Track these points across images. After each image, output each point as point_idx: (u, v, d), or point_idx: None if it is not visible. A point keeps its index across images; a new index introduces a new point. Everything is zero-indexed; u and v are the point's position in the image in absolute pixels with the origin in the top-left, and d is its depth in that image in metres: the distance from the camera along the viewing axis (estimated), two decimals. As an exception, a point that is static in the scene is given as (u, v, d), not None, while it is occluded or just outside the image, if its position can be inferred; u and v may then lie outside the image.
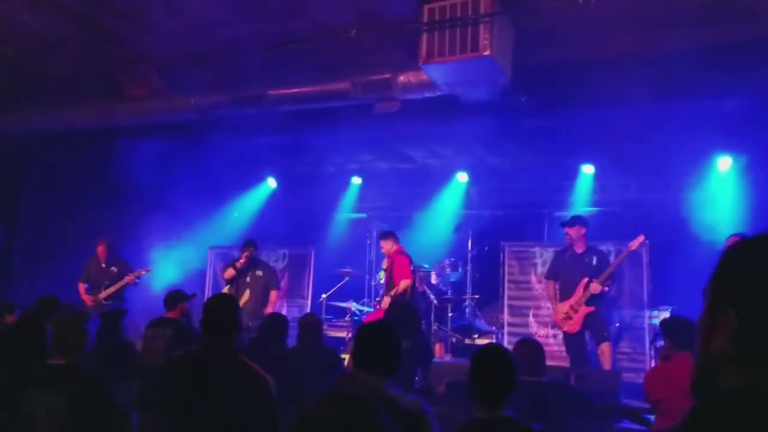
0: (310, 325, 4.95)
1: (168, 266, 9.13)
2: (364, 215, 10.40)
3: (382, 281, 7.81)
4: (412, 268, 7.46)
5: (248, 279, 7.68)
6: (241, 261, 7.66)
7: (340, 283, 8.92)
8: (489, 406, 2.68)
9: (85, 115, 7.88)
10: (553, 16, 5.70)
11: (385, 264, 7.81)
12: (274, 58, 6.94)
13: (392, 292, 7.25)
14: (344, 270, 9.06)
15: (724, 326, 1.08)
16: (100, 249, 7.91)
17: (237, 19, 6.38)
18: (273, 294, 7.69)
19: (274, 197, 10.27)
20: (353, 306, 8.66)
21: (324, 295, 8.83)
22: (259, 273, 7.72)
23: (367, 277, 9.58)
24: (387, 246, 7.61)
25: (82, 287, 7.85)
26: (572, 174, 8.85)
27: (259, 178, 10.15)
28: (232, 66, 7.20)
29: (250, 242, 7.81)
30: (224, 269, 7.98)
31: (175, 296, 5.55)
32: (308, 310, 8.88)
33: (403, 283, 7.25)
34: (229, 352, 3.09)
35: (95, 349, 4.19)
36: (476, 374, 2.74)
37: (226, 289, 7.71)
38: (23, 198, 9.28)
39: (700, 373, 1.13)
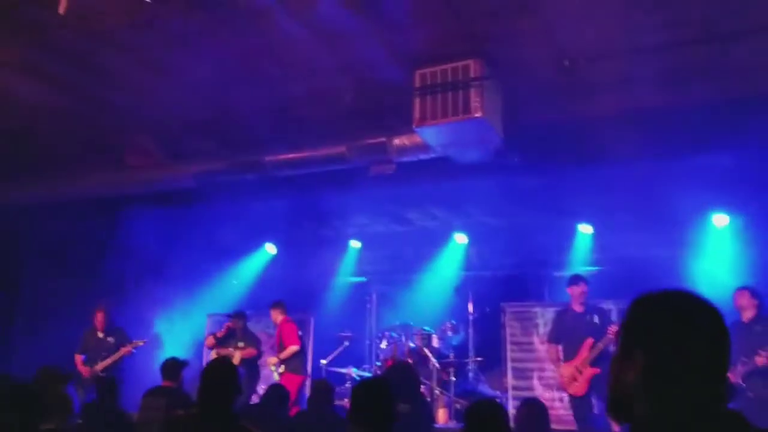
0: (321, 389, 4.96)
1: (167, 334, 9.07)
2: (363, 279, 10.35)
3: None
4: (299, 335, 8.23)
5: (230, 349, 7.90)
6: (221, 332, 8.12)
7: (340, 349, 8.79)
8: None
9: (85, 184, 7.97)
10: (542, 78, 5.83)
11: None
12: (270, 125, 7.08)
13: (281, 355, 7.94)
14: (344, 335, 8.96)
15: (634, 364, 1.35)
16: (99, 317, 7.88)
17: (233, 88, 6.53)
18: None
19: (273, 263, 10.25)
20: (353, 372, 8.50)
21: (323, 361, 8.69)
22: (241, 345, 7.87)
23: (367, 342, 9.45)
24: (274, 315, 8.31)
25: (78, 359, 7.76)
26: (570, 233, 8.84)
27: (259, 244, 10.16)
28: (228, 133, 7.34)
29: (236, 314, 8.22)
30: (207, 336, 8.33)
31: (171, 365, 5.50)
32: (308, 376, 8.73)
33: (291, 349, 7.92)
34: (228, 416, 3.03)
35: (88, 417, 4.11)
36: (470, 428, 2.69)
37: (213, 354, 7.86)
38: (24, 266, 9.28)
39: (614, 402, 1.40)
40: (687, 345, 1.31)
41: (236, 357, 7.67)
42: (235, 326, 8.04)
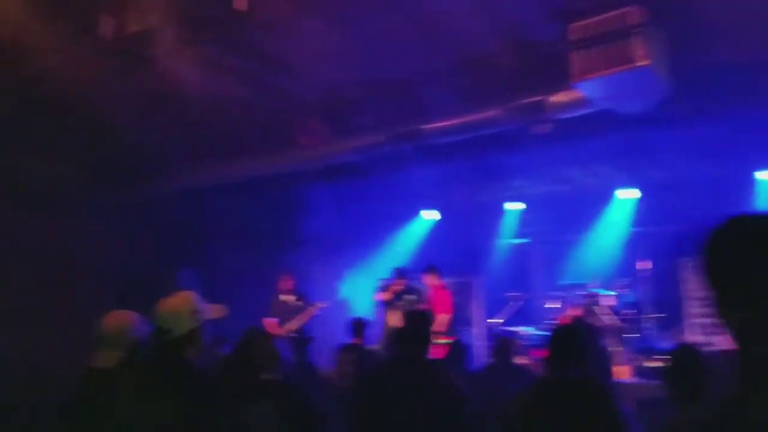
0: (505, 344, 5.14)
1: (346, 297, 9.72)
2: (526, 240, 10.36)
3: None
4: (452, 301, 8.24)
5: (401, 303, 8.21)
6: (396, 287, 8.39)
7: (509, 309, 8.90)
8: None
9: (262, 165, 8.70)
10: (709, 16, 5.50)
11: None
12: (425, 95, 7.32)
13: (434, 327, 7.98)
14: (511, 295, 9.07)
15: None
16: (284, 282, 8.63)
17: (389, 63, 6.83)
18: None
19: (435, 228, 10.56)
20: (526, 331, 8.62)
21: (495, 320, 8.88)
22: (411, 297, 8.17)
23: (535, 302, 9.50)
24: (429, 279, 8.39)
25: (270, 321, 8.55)
26: (747, 183, 8.25)
27: (420, 210, 10.50)
28: (387, 107, 7.68)
29: (403, 271, 8.59)
30: (380, 292, 8.61)
31: (358, 324, 5.97)
32: (476, 335, 8.98)
33: (443, 318, 7.88)
34: (424, 361, 3.31)
35: (287, 371, 4.62)
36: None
37: (382, 313, 8.29)
38: (209, 242, 10.30)
39: None
40: None
41: (395, 314, 8.08)
42: (400, 285, 8.42)
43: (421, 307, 8.11)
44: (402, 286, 8.37)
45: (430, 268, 8.53)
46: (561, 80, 6.04)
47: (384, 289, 8.50)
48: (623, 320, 8.03)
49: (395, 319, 7.93)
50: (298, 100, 7.69)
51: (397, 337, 3.50)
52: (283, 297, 8.66)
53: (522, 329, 8.63)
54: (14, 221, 8.64)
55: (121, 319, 3.23)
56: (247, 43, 6.30)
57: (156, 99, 7.24)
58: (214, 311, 3.02)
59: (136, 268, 9.58)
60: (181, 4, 5.40)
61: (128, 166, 9.18)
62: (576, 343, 2.94)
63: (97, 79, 6.53)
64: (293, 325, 8.38)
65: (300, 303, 8.59)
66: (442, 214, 10.49)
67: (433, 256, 9.87)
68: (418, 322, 3.55)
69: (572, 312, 8.09)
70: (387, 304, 8.42)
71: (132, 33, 5.72)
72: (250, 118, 8.04)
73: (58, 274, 8.81)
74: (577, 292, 8.58)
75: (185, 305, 2.86)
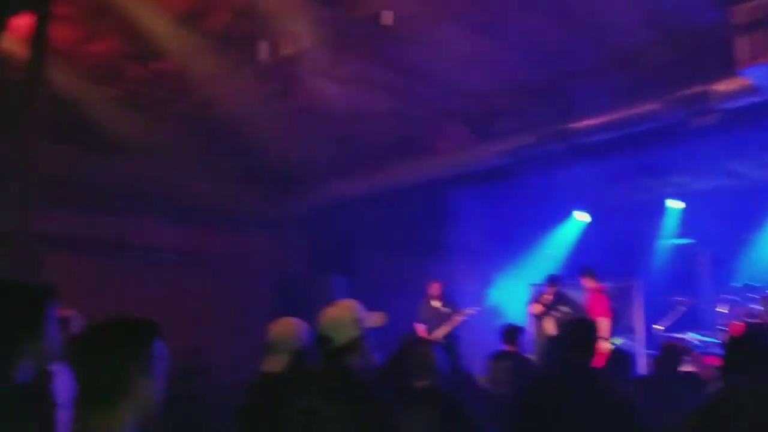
0: (674, 351, 4.86)
1: (496, 303, 9.62)
2: (689, 241, 9.67)
3: None
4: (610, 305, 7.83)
5: (555, 314, 7.92)
6: (548, 296, 8.06)
7: (674, 313, 8.34)
8: None
9: (404, 173, 8.86)
10: None
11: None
12: (574, 93, 7.08)
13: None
14: (677, 299, 8.50)
15: None
16: (434, 288, 8.70)
17: (532, 65, 6.71)
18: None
19: (587, 230, 10.17)
20: (693, 337, 8.05)
21: (658, 326, 8.36)
22: (566, 309, 7.89)
23: (702, 306, 8.82)
24: (586, 282, 8.02)
25: (420, 327, 8.66)
26: None
27: (570, 212, 10.16)
28: (533, 108, 7.54)
29: (556, 278, 8.24)
30: (532, 304, 8.36)
31: (511, 331, 5.89)
32: (639, 342, 8.52)
33: (603, 322, 7.45)
34: (588, 370, 3.21)
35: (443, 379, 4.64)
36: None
37: (534, 320, 8.08)
38: (357, 252, 10.62)
39: None
40: None
41: (551, 322, 7.84)
42: (553, 292, 8.17)
43: (579, 315, 7.87)
44: (552, 295, 8.14)
45: (588, 271, 8.23)
46: (725, 68, 5.62)
47: (535, 300, 8.32)
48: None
49: (551, 327, 7.73)
50: (441, 108, 7.76)
51: (557, 345, 3.42)
52: (432, 303, 8.74)
53: (688, 335, 8.06)
54: (192, 235, 9.49)
55: (288, 327, 3.41)
56: (391, 56, 6.46)
57: (307, 116, 7.63)
58: (374, 319, 3.11)
59: (293, 276, 10.13)
60: (330, 25, 5.65)
61: (285, 181, 9.75)
62: (755, 349, 2.70)
63: (256, 101, 7.00)
64: (442, 331, 8.43)
65: (448, 309, 8.61)
66: (596, 215, 10.07)
67: (587, 259, 9.51)
68: (581, 330, 3.43)
69: (746, 316, 7.44)
70: (539, 317, 8.24)
71: (285, 56, 6.06)
72: (395, 128, 8.23)
73: (231, 281, 9.54)
74: (750, 295, 7.89)
75: (347, 314, 2.97)
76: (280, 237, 10.31)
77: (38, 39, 4.58)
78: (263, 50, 6.18)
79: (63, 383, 3.09)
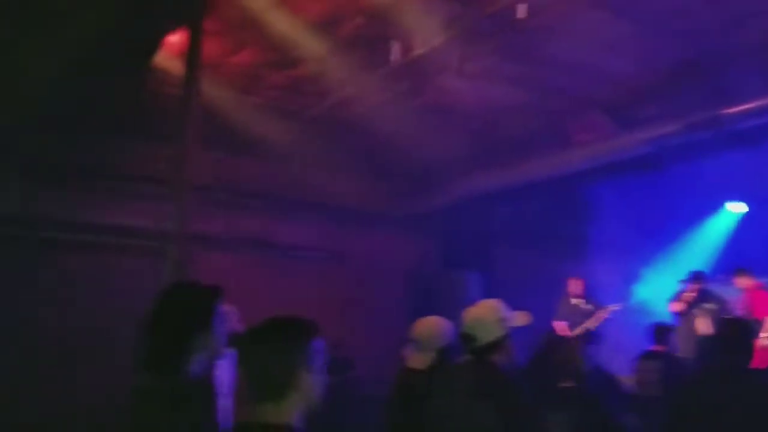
0: None
1: (642, 299, 9.19)
2: None
3: None
4: None
5: (699, 312, 7.44)
6: (690, 294, 7.58)
7: None
8: None
9: (541, 166, 8.63)
10: None
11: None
12: (726, 76, 6.58)
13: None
14: None
15: None
16: (574, 285, 8.44)
17: (680, 45, 6.30)
18: None
19: (743, 222, 9.40)
20: None
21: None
22: (711, 306, 7.33)
23: None
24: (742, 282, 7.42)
25: (560, 324, 8.43)
26: None
27: (722, 203, 9.46)
28: (678, 93, 7.08)
29: (699, 275, 7.73)
30: (673, 302, 7.87)
31: (660, 329, 5.60)
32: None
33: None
34: (747, 372, 3.02)
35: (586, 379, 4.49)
36: None
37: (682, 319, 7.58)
38: (492, 248, 10.50)
39: None
40: None
41: (702, 321, 7.31)
42: (696, 289, 7.60)
43: (728, 313, 7.33)
44: (696, 292, 7.58)
45: (740, 271, 7.66)
46: None
47: (677, 298, 7.79)
48: None
49: (704, 326, 7.23)
50: (580, 97, 7.49)
51: (712, 345, 3.20)
52: (572, 301, 8.49)
53: None
54: (329, 233, 9.84)
55: (433, 325, 3.45)
56: (525, 48, 6.32)
57: (440, 112, 7.65)
58: (519, 319, 3.07)
59: (426, 273, 10.22)
60: (462, 22, 5.63)
61: (417, 178, 9.84)
62: None
63: (389, 100, 7.13)
64: (582, 329, 8.17)
65: (590, 307, 8.33)
66: (752, 206, 9.29)
67: (743, 252, 8.80)
68: (738, 330, 3.21)
69: None
70: (682, 315, 7.69)
71: (417, 55, 6.12)
72: (531, 120, 8.05)
73: (365, 278, 9.79)
74: None
75: (492, 313, 2.96)
76: (414, 234, 10.43)
77: (192, 53, 4.92)
78: (396, 50, 6.28)
79: (223, 374, 3.32)
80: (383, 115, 7.51)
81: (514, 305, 3.69)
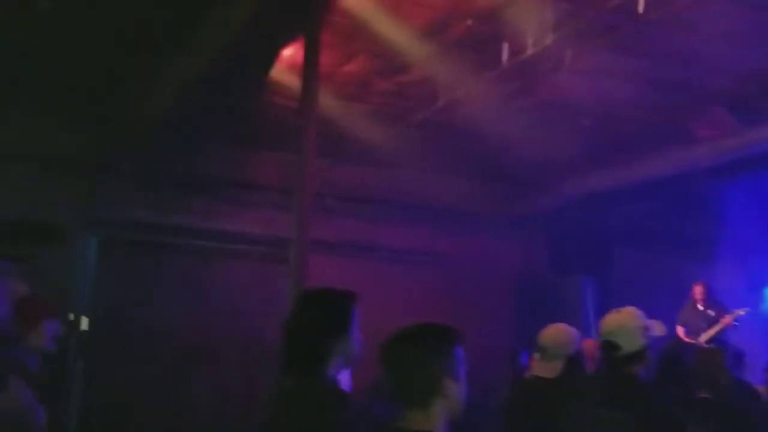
0: None
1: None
2: None
3: None
4: None
5: None
6: None
7: None
8: None
9: (658, 164, 8.24)
10: None
11: None
12: None
13: None
14: None
15: None
16: (697, 290, 8.04)
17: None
18: None
19: None
20: None
21: None
22: None
23: None
24: None
25: (680, 330, 8.05)
26: None
27: None
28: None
29: None
30: None
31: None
32: None
33: None
34: None
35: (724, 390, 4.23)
36: None
37: None
38: (606, 251, 10.09)
39: None
40: None
41: None
42: None
43: None
44: None
45: None
46: None
47: None
48: None
49: None
50: (700, 92, 7.11)
51: None
52: (695, 306, 8.08)
53: None
54: (434, 236, 9.84)
55: (561, 332, 3.37)
56: (643, 41, 6.06)
57: (551, 111, 7.47)
58: (657, 328, 2.95)
59: (534, 277, 9.99)
60: (575, 19, 5.48)
61: (525, 179, 9.66)
62: None
63: (498, 101, 7.03)
64: (707, 336, 7.76)
65: (714, 312, 7.89)
66: None
67: None
68: None
69: None
70: None
71: (529, 55, 6.00)
72: (648, 117, 7.71)
73: (470, 281, 9.71)
74: None
75: (634, 321, 2.85)
76: (521, 237, 10.25)
77: (309, 64, 5.06)
78: (505, 51, 6.19)
79: (343, 379, 3.38)
80: (491, 117, 7.42)
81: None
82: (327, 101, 7.45)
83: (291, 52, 6.30)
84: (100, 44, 6.38)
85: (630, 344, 2.77)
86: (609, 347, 2.83)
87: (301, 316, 2.37)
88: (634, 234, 9.68)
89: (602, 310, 9.77)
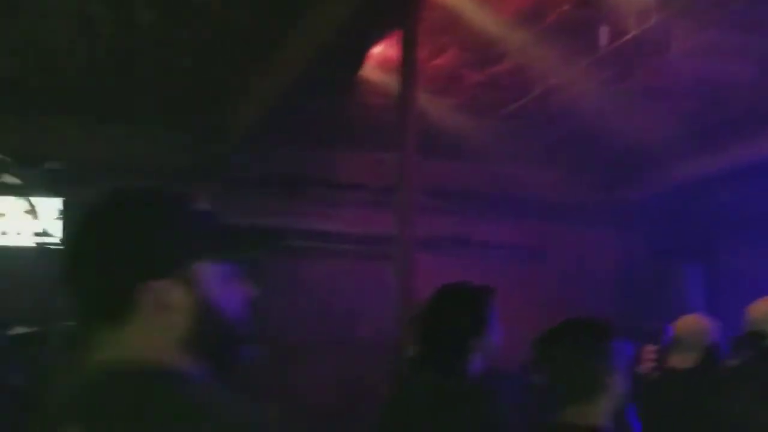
0: None
1: None
2: None
3: None
4: None
5: None
6: None
7: None
8: None
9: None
10: None
11: None
12: None
13: None
14: None
15: None
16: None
17: None
18: None
19: None
20: None
21: None
22: None
23: None
24: None
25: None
26: None
27: None
28: None
29: None
30: None
31: None
32: None
33: None
34: None
35: None
36: None
37: None
38: (714, 240, 9.62)
39: None
40: None
41: None
42: None
43: None
44: None
45: None
46: None
47: None
48: None
49: None
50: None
51: None
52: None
53: None
54: (528, 229, 9.68)
55: (696, 322, 3.24)
56: (754, 16, 5.72)
57: (654, 95, 7.16)
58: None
59: (636, 267, 9.64)
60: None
61: (623, 166, 9.34)
62: None
63: (596, 87, 6.81)
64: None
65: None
66: None
67: None
68: None
69: None
70: None
71: (630, 38, 5.78)
72: (755, 97, 7.27)
73: (568, 274, 9.48)
74: None
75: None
76: (620, 226, 9.91)
77: (407, 60, 5.05)
78: (604, 35, 5.98)
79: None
80: (587, 103, 7.20)
81: (745, 301, 3.33)
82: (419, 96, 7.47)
83: (381, 49, 6.33)
84: (197, 53, 6.61)
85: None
86: (756, 337, 2.68)
87: (440, 312, 2.36)
88: (743, 219, 9.17)
89: (711, 300, 9.36)
